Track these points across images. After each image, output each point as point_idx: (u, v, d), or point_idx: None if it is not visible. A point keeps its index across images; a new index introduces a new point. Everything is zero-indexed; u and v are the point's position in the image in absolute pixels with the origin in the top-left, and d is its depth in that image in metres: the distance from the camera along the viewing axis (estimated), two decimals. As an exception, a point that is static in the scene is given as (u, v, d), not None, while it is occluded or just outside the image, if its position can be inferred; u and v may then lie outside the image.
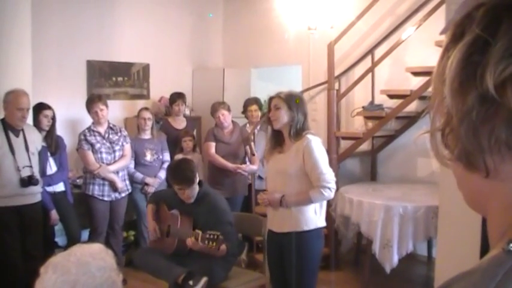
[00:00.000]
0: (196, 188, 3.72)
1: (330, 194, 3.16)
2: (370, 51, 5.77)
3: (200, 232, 3.40)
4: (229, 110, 5.44)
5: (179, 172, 3.73)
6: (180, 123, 6.03)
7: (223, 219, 3.65)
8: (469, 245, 2.82)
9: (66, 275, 1.51)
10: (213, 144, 5.37)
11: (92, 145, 4.84)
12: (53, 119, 4.73)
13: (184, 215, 3.76)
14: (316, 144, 3.17)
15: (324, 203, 3.28)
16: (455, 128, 0.62)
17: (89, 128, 4.92)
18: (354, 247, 5.41)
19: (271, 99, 3.28)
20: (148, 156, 5.34)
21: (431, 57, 5.01)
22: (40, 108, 4.63)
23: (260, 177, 5.55)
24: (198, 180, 3.72)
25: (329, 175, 3.15)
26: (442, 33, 0.68)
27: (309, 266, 3.23)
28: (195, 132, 6.20)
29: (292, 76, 6.80)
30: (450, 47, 0.64)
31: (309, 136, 3.18)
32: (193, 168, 3.70)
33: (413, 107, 5.20)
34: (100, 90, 5.98)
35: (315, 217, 3.21)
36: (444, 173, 3.16)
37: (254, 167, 5.37)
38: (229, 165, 5.27)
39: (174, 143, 5.65)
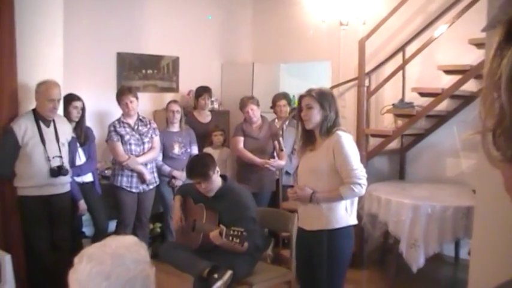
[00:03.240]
0: (216, 182, 3.72)
1: (360, 190, 3.11)
2: (402, 48, 5.70)
3: (224, 228, 3.39)
4: (258, 104, 5.43)
5: (191, 166, 3.78)
6: (205, 117, 6.02)
7: (246, 215, 3.63)
8: (505, 248, 2.77)
9: (101, 265, 1.52)
10: (241, 139, 5.37)
11: (122, 136, 4.88)
12: (83, 110, 4.76)
13: (210, 209, 3.75)
14: (347, 140, 3.14)
15: (355, 200, 3.23)
16: (508, 129, 0.60)
17: (118, 120, 4.97)
18: (380, 246, 5.36)
19: (302, 97, 3.24)
20: (177, 149, 5.35)
21: (463, 56, 4.98)
22: (70, 99, 4.65)
23: (288, 173, 5.55)
24: (216, 174, 3.71)
25: (360, 171, 3.11)
26: (484, 30, 0.67)
27: (338, 265, 3.21)
28: None
29: (321, 72, 6.73)
30: (504, 46, 0.61)
31: (339, 132, 3.14)
32: (207, 163, 3.70)
33: (443, 105, 5.15)
34: (130, 83, 6.00)
35: (345, 215, 3.17)
36: (481, 174, 3.09)
37: (282, 162, 5.36)
38: (257, 160, 5.26)
39: (199, 137, 5.65)
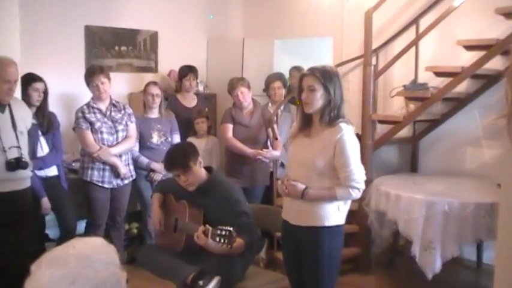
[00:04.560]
0: (198, 174, 3.73)
1: (357, 195, 3.20)
2: (415, 21, 5.69)
3: (210, 228, 3.38)
4: (249, 87, 5.41)
5: (169, 157, 3.80)
6: (190, 101, 6.04)
7: (238, 209, 3.64)
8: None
9: (65, 268, 1.50)
10: (230, 127, 5.37)
11: (92, 124, 4.82)
12: (45, 92, 4.71)
13: (194, 207, 3.75)
14: (351, 137, 3.16)
15: (349, 202, 3.31)
16: None
17: (87, 104, 4.88)
18: (389, 248, 5.38)
19: (303, 76, 3.23)
20: (156, 138, 5.35)
21: (488, 28, 4.96)
22: (30, 80, 4.59)
23: (283, 165, 5.51)
24: (198, 165, 3.73)
25: (360, 174, 3.17)
26: None
27: (326, 265, 3.24)
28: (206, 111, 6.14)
29: (322, 49, 6.72)
30: None
31: (343, 125, 3.15)
32: (187, 152, 3.72)
33: (463, 87, 5.14)
34: (101, 61, 5.96)
35: (337, 214, 3.23)
36: (507, 166, 3.07)
37: (276, 153, 5.34)
38: (248, 150, 5.26)
39: (183, 124, 5.67)
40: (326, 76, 3.16)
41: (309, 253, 3.23)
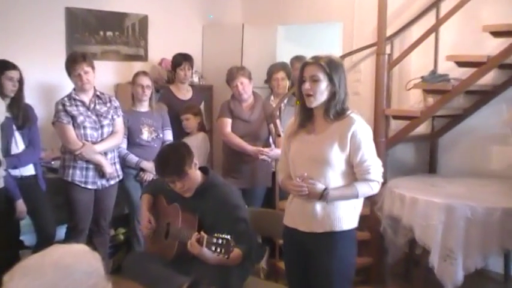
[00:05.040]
0: (194, 178, 3.73)
1: (377, 188, 3.26)
2: (434, 5, 5.65)
3: (205, 235, 3.35)
4: (250, 77, 5.42)
5: (161, 161, 3.76)
6: (185, 93, 6.06)
7: (236, 215, 3.63)
8: None
9: (41, 279, 1.50)
10: (228, 121, 5.39)
11: (73, 118, 4.80)
12: (20, 82, 4.70)
13: (187, 211, 3.74)
14: (365, 128, 3.19)
15: (363, 199, 3.34)
16: None
17: (69, 96, 4.86)
18: (405, 258, 5.36)
19: (306, 65, 3.22)
20: (146, 134, 5.36)
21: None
22: (2, 67, 4.59)
23: None
24: (194, 168, 3.72)
25: (378, 166, 3.23)
26: None
27: (339, 276, 3.24)
28: (202, 106, 6.24)
29: (330, 36, 6.77)
30: None
31: (354, 116, 3.18)
32: (182, 156, 3.69)
33: (489, 78, 5.11)
34: (83, 48, 5.93)
35: (352, 215, 3.27)
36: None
37: (279, 151, 5.27)
38: (249, 147, 5.27)
39: (176, 118, 5.71)
40: (332, 66, 3.17)
41: (319, 263, 3.22)
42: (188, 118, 5.69)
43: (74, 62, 4.82)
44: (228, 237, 3.27)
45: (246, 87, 5.35)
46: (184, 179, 3.67)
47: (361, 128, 3.15)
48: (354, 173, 3.20)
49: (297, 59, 6.02)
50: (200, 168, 3.83)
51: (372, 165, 3.17)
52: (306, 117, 3.29)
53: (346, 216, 3.21)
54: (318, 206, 3.20)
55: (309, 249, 3.26)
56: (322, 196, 3.15)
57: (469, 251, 4.26)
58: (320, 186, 3.16)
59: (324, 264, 3.21)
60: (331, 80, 3.14)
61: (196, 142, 5.55)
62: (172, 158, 3.68)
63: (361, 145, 3.13)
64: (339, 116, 3.18)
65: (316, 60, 3.18)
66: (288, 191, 3.39)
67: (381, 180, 3.24)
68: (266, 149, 5.29)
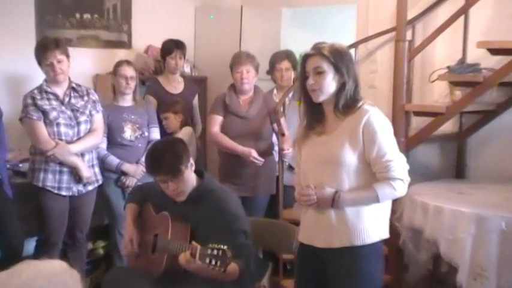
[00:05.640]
0: (189, 181, 3.73)
1: (403, 188, 3.19)
2: (463, -17, 5.70)
3: (199, 246, 3.33)
4: (257, 70, 5.49)
5: (155, 157, 3.74)
6: (176, 86, 6.10)
7: (234, 226, 3.63)
8: None
9: None
10: (218, 119, 5.44)
11: (45, 113, 4.80)
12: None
13: (178, 220, 3.74)
14: (380, 118, 3.17)
15: (389, 203, 3.31)
16: None
17: (39, 88, 4.86)
18: (428, 276, 5.32)
19: (307, 57, 3.25)
20: (129, 133, 5.39)
21: None
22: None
23: (292, 168, 5.48)
24: (190, 169, 3.73)
25: (400, 161, 3.17)
26: None
27: None
28: (196, 99, 6.28)
29: (341, 21, 6.78)
30: None
31: (367, 107, 3.17)
32: (179, 152, 3.69)
33: (528, 68, 5.11)
34: (57, 33, 5.90)
35: (378, 223, 3.24)
36: None
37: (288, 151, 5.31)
38: (239, 148, 5.29)
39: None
40: (336, 54, 3.18)
41: (338, 284, 3.22)
42: (167, 117, 5.74)
43: (45, 49, 4.82)
44: (225, 247, 3.26)
45: (251, 77, 5.41)
46: (179, 180, 3.66)
47: (375, 118, 3.12)
48: (374, 173, 3.19)
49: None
50: (195, 171, 3.82)
51: (393, 161, 3.12)
52: (314, 117, 3.31)
53: (369, 227, 3.18)
54: (333, 216, 3.19)
55: (327, 268, 3.27)
56: (334, 201, 3.14)
57: (503, 268, 4.20)
58: (330, 190, 3.16)
59: (344, 286, 3.21)
60: (337, 69, 3.16)
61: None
62: (167, 154, 3.66)
63: (376, 137, 3.10)
64: (349, 109, 3.18)
65: (318, 50, 3.20)
66: (299, 202, 3.39)
67: (407, 178, 3.19)
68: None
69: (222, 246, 3.26)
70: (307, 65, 3.21)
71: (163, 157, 3.66)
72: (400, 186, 3.15)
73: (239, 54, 5.56)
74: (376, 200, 3.15)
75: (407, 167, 3.22)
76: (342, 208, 3.15)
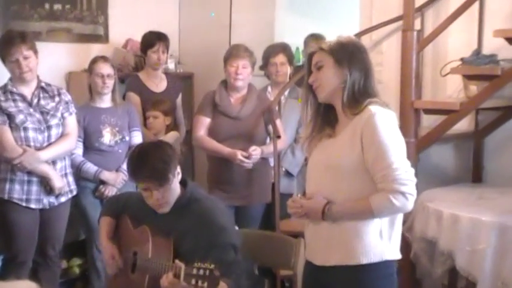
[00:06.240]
0: (175, 190, 3.69)
1: (404, 204, 3.04)
2: (478, -34, 5.70)
3: (183, 265, 3.26)
4: (253, 65, 5.46)
5: (140, 161, 3.65)
6: (158, 83, 6.10)
7: (221, 239, 3.57)
8: None
9: None
10: (205, 121, 5.40)
11: (10, 116, 4.78)
12: None
13: (159, 234, 3.69)
14: (384, 120, 3.09)
15: (398, 220, 3.20)
16: None
17: (4, 88, 4.86)
18: (444, 291, 5.42)
19: (311, 55, 3.25)
20: (107, 137, 5.40)
21: None
22: None
23: (289, 174, 5.61)
24: (176, 178, 3.68)
25: (405, 171, 3.04)
26: None
27: None
28: (180, 98, 6.26)
29: (344, 8, 6.84)
30: None
31: (372, 108, 3.09)
32: (167, 157, 3.63)
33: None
34: (23, 25, 5.91)
35: (379, 243, 3.14)
36: None
37: (270, 150, 5.32)
38: (226, 150, 5.26)
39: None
40: (337, 45, 3.18)
41: None
42: (157, 116, 5.74)
43: (9, 44, 4.80)
44: (212, 267, 3.19)
45: (246, 74, 5.36)
46: (165, 189, 3.60)
47: (378, 120, 3.04)
48: None
49: (313, 37, 6.01)
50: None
51: (394, 171, 3.00)
52: (325, 118, 3.29)
53: (369, 244, 3.10)
54: (328, 229, 3.16)
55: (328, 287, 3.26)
56: (324, 213, 3.11)
57: (529, 283, 4.26)
58: (319, 201, 3.13)
59: None
60: (338, 62, 3.14)
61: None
62: (154, 158, 3.59)
63: (373, 141, 3.02)
64: (357, 105, 3.12)
65: (319, 44, 3.25)
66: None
67: (411, 192, 3.02)
68: (251, 149, 5.20)
69: (209, 265, 3.20)
70: (312, 64, 3.23)
71: (150, 161, 3.58)
72: (401, 201, 3.01)
73: (237, 46, 5.53)
74: (371, 214, 3.06)
75: (413, 179, 3.07)
76: (334, 221, 3.12)
